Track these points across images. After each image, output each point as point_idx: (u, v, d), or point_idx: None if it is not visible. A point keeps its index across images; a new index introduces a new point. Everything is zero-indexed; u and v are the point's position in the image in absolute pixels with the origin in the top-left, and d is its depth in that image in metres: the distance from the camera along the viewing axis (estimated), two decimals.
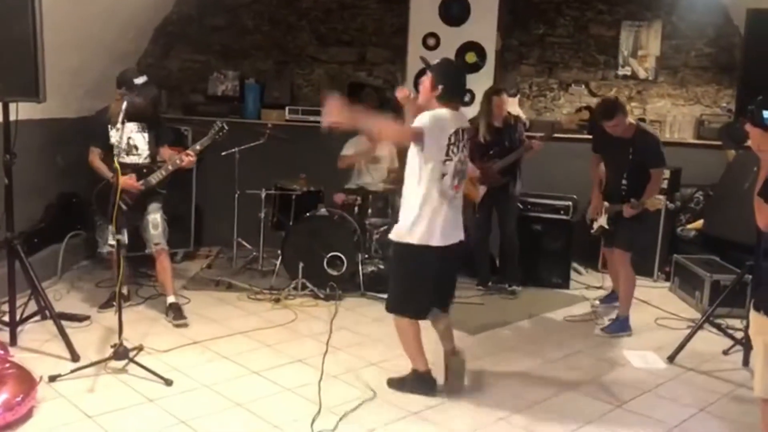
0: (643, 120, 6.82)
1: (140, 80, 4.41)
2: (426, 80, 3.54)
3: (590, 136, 5.59)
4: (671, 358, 4.36)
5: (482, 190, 5.66)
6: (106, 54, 6.03)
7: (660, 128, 6.84)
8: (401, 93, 3.72)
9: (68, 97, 5.63)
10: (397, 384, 3.73)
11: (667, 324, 5.10)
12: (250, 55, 7.14)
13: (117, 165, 3.79)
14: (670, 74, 6.97)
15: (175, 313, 4.68)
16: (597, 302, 5.51)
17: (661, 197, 4.96)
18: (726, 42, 6.78)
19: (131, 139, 4.66)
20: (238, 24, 7.10)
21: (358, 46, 7.13)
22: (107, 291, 5.07)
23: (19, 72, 3.73)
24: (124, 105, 3.96)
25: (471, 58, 6.57)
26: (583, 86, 7.06)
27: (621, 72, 6.98)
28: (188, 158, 4.54)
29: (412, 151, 3.49)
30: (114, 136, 4.51)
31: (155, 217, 4.69)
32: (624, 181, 4.82)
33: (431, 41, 6.60)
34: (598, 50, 7.02)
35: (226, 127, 4.62)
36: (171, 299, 4.76)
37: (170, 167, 4.60)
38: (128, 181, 4.44)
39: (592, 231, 5.15)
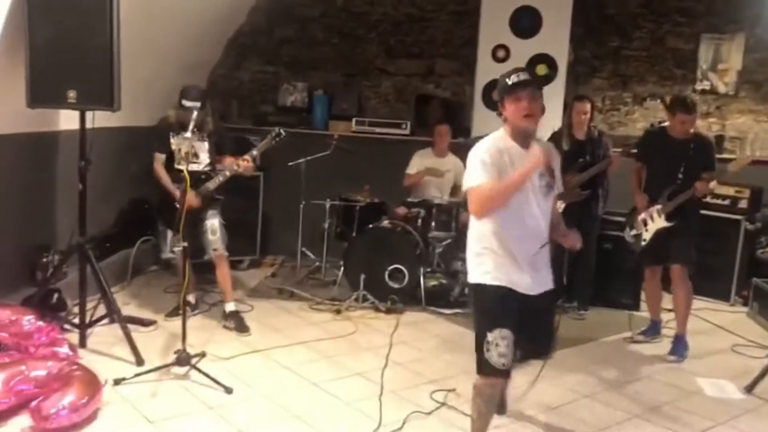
0: (722, 137, 6.56)
1: (189, 104, 4.43)
2: (538, 98, 2.92)
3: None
4: (749, 389, 4.12)
5: (561, 205, 5.45)
6: (179, 65, 6.18)
7: (740, 145, 6.56)
8: None
9: (141, 106, 5.78)
10: None
11: (745, 351, 4.84)
12: (320, 66, 7.20)
13: (186, 173, 3.83)
14: (753, 89, 6.65)
15: (237, 323, 4.71)
16: (640, 336, 5.00)
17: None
18: None
19: (193, 147, 4.61)
20: (307, 36, 7.18)
21: (426, 58, 7.10)
22: (174, 296, 5.17)
23: (96, 81, 3.86)
24: (194, 115, 4.00)
25: (542, 70, 6.44)
26: (659, 101, 6.82)
27: (699, 86, 6.71)
28: (245, 164, 4.49)
29: None
30: (175, 143, 4.58)
31: (213, 222, 4.69)
32: (680, 176, 4.58)
33: (501, 53, 6.51)
34: (675, 64, 6.78)
35: (283, 133, 4.55)
36: (230, 306, 4.79)
37: (227, 173, 4.60)
38: (192, 200, 4.44)
39: (644, 242, 4.73)
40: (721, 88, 6.67)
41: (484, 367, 2.87)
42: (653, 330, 5.04)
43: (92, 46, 3.82)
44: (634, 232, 4.83)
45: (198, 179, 4.63)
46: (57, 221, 4.92)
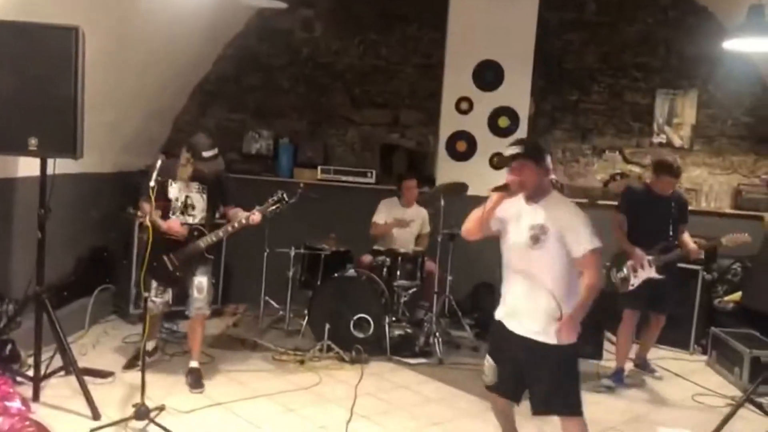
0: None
1: (209, 153, 4.37)
2: (525, 167, 3.18)
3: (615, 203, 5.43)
4: None
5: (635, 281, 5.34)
6: (144, 112, 6.16)
7: (695, 197, 6.75)
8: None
9: (104, 152, 5.73)
10: None
11: (704, 401, 4.90)
12: (285, 114, 7.24)
13: (149, 223, 3.79)
14: (706, 143, 6.90)
15: (194, 379, 4.53)
16: (608, 381, 5.13)
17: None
18: (764, 112, 6.72)
19: (189, 198, 4.56)
20: (274, 84, 7.24)
21: (391, 108, 7.20)
22: (133, 346, 5.05)
23: (59, 129, 3.81)
24: (158, 163, 3.92)
25: (504, 122, 6.60)
26: (617, 153, 7.01)
27: (656, 140, 6.93)
28: (253, 217, 4.43)
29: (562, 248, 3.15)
30: (172, 192, 4.49)
31: (201, 280, 4.54)
32: (671, 233, 5.04)
33: (464, 105, 6.65)
34: (632, 117, 7.00)
35: (287, 199, 4.54)
36: (194, 364, 4.61)
37: (220, 233, 4.47)
38: (174, 225, 4.40)
39: (632, 286, 5.00)
40: (677, 142, 6.90)
41: None
42: (618, 377, 5.14)
43: (55, 95, 3.77)
44: (621, 275, 5.07)
45: (191, 234, 4.52)
46: (12, 269, 4.79)
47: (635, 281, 5.01)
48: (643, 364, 5.44)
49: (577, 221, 3.17)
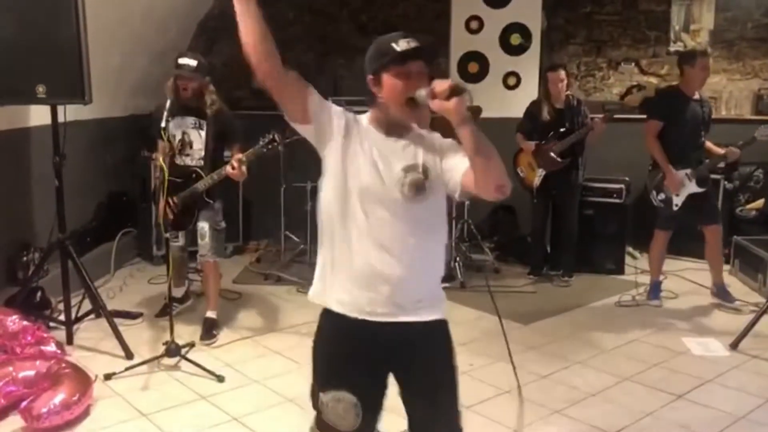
0: None
1: (184, 60, 4.10)
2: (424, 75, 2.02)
3: (642, 116, 5.19)
4: (734, 345, 4.19)
5: (541, 174, 5.50)
6: (148, 51, 6.07)
7: (715, 105, 6.58)
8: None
9: (114, 96, 5.69)
10: None
11: (728, 309, 4.91)
12: (292, 47, 7.10)
13: (162, 163, 3.76)
14: (725, 48, 6.68)
15: (205, 329, 4.35)
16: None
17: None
18: None
19: (186, 134, 4.26)
20: (278, 16, 7.07)
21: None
22: (159, 288, 5.13)
23: (65, 74, 3.77)
24: (167, 103, 3.87)
25: (515, 40, 6.45)
26: (633, 64, 6.83)
27: (673, 48, 6.72)
28: (234, 172, 3.99)
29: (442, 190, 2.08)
30: (170, 129, 4.19)
31: (203, 226, 4.31)
32: (702, 140, 4.79)
33: (474, 24, 6.49)
34: (648, 26, 6.78)
35: (278, 139, 4.01)
36: (209, 314, 4.43)
37: (215, 177, 4.14)
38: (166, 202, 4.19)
39: (676, 206, 4.76)
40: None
41: None
42: (657, 289, 5.11)
43: (58, 39, 3.73)
44: (662, 197, 4.82)
45: (188, 176, 4.24)
46: (35, 218, 4.85)
47: (679, 201, 4.76)
48: (721, 293, 4.99)
49: (446, 141, 2.10)
